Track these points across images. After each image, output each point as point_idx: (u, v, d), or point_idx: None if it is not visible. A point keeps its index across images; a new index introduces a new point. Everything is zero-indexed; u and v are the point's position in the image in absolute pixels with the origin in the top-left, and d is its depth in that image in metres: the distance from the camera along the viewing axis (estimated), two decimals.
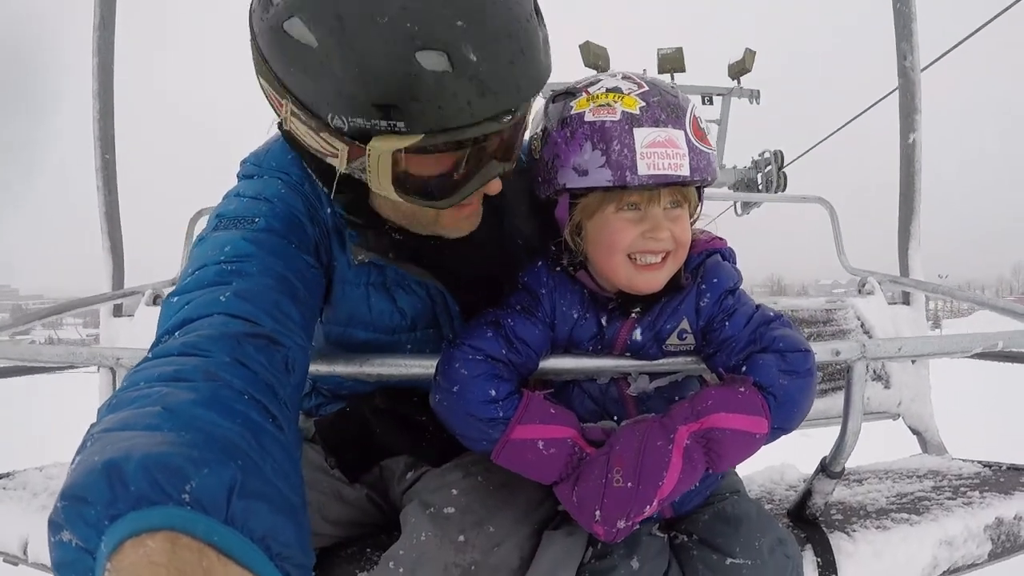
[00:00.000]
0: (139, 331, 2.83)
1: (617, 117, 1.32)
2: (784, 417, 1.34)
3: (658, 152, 1.30)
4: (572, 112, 1.38)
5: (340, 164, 1.18)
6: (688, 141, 1.33)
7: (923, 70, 3.30)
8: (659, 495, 1.28)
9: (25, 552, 1.72)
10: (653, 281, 1.40)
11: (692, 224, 1.48)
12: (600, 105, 1.35)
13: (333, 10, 1.02)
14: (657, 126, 1.32)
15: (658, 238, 1.35)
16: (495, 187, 1.29)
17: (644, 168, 1.29)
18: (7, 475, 2.10)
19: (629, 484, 1.27)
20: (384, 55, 1.02)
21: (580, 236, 1.43)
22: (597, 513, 1.27)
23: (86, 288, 3.05)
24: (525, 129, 1.30)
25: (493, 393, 1.34)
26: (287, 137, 1.28)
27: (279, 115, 1.20)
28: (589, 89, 1.40)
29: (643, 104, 1.33)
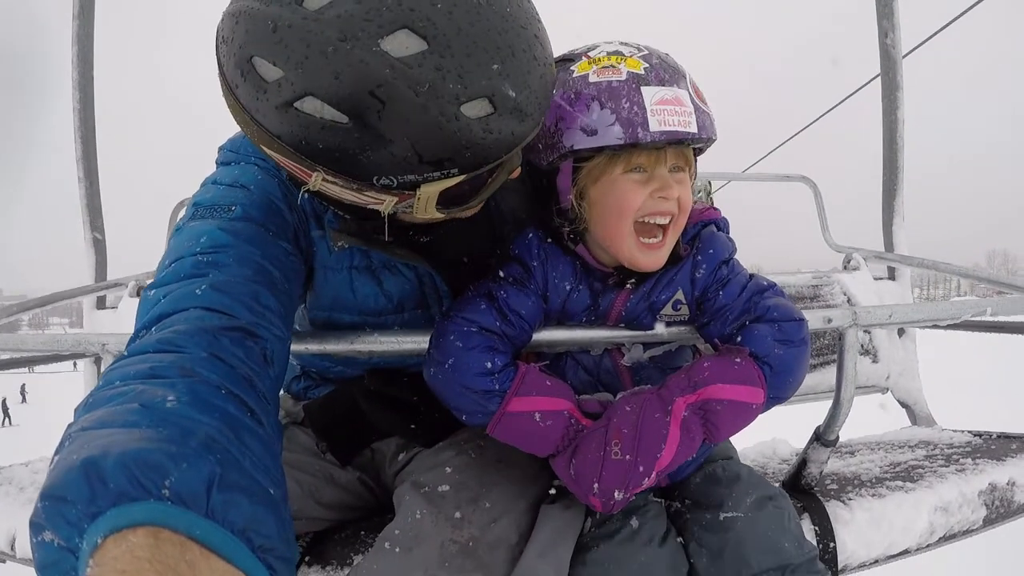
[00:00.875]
0: (123, 323, 2.80)
1: (623, 77, 1.32)
2: (779, 386, 1.35)
3: (667, 109, 1.30)
4: (574, 75, 1.36)
5: (384, 210, 1.17)
6: (692, 100, 1.33)
7: (907, 55, 3.32)
8: (657, 467, 1.28)
9: (12, 548, 1.70)
10: (656, 259, 1.39)
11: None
12: (604, 67, 1.34)
13: (362, 87, 0.97)
14: (663, 85, 1.31)
15: (668, 197, 1.34)
16: (516, 173, 1.26)
17: (656, 124, 1.28)
18: None
19: (627, 457, 1.26)
20: (431, 120, 1.00)
21: (583, 203, 1.41)
22: (595, 486, 1.27)
23: (72, 286, 3.02)
24: None
25: (489, 365, 1.33)
26: (315, 195, 1.22)
27: (306, 183, 1.14)
28: (589, 54, 1.39)
29: (647, 65, 1.33)
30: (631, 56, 1.35)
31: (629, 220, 1.35)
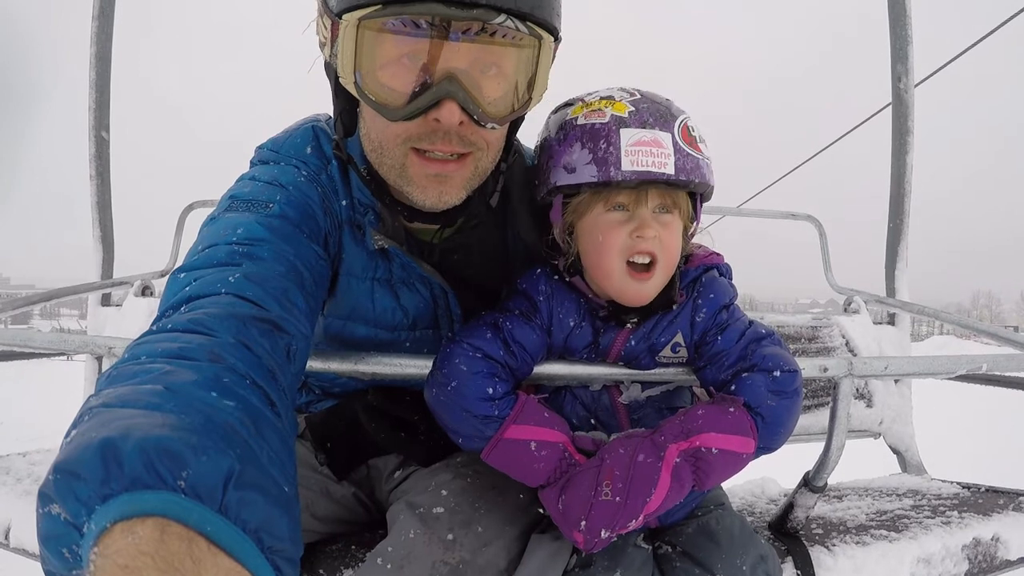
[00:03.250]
0: (127, 322, 2.82)
1: (606, 119, 1.39)
2: (770, 437, 1.37)
3: (642, 150, 1.35)
4: (567, 119, 1.45)
5: (326, 52, 1.25)
6: (675, 143, 1.37)
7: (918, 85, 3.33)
8: (646, 510, 1.30)
9: (7, 537, 1.71)
10: (642, 292, 1.41)
11: (691, 236, 1.51)
12: (592, 110, 1.42)
13: None
14: (644, 127, 1.37)
15: (645, 236, 1.37)
16: (447, 114, 1.24)
17: (628, 164, 1.34)
18: None
19: (617, 499, 1.28)
20: None
21: (572, 237, 1.47)
22: (583, 523, 1.28)
23: (78, 278, 3.03)
24: (501, 84, 1.31)
25: (490, 391, 1.35)
26: (328, 72, 1.34)
27: (322, 46, 1.30)
28: (585, 98, 1.47)
29: (632, 109, 1.40)
30: (620, 101, 1.42)
31: (616, 258, 1.40)
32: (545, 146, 1.48)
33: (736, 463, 1.35)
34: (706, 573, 1.36)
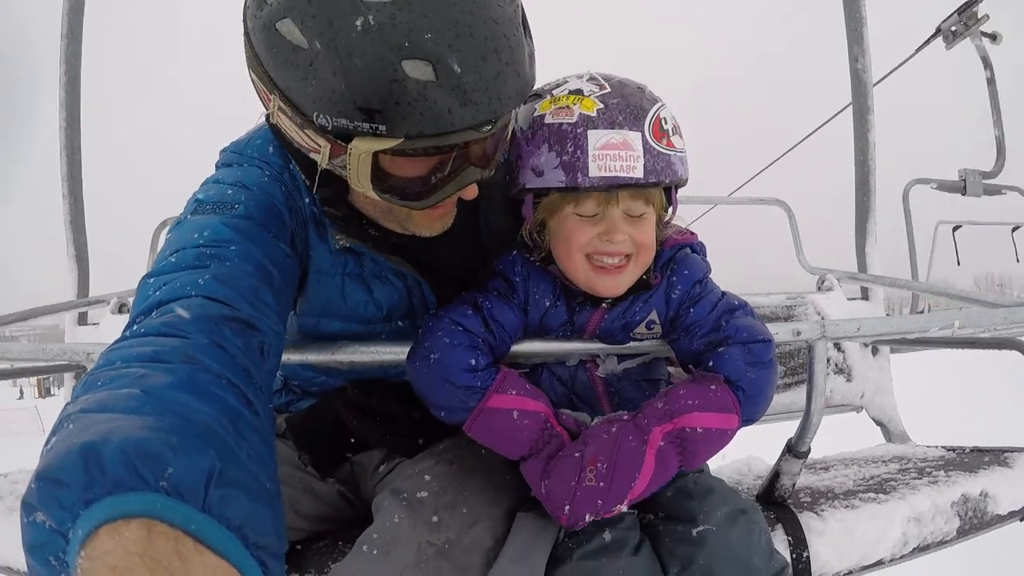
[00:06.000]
0: (105, 339, 2.79)
1: (574, 119, 1.35)
2: (752, 409, 1.38)
3: (610, 154, 1.32)
4: (535, 114, 1.41)
5: (322, 160, 1.20)
6: (645, 143, 1.34)
7: (878, 82, 3.39)
8: (630, 495, 1.31)
9: None
10: (614, 286, 1.43)
11: (666, 224, 1.51)
12: (560, 107, 1.38)
13: (325, 14, 1.04)
14: (612, 128, 1.33)
15: (614, 240, 1.38)
16: (471, 193, 1.29)
17: (595, 170, 1.31)
18: None
19: (601, 484, 1.29)
20: (371, 61, 1.04)
21: (544, 232, 1.47)
22: (566, 508, 1.29)
23: (57, 291, 3.01)
24: (505, 139, 1.34)
25: (473, 363, 1.36)
26: (274, 130, 1.29)
27: (267, 108, 1.22)
28: (554, 91, 1.42)
29: (601, 106, 1.35)
30: (589, 96, 1.37)
31: (579, 256, 1.40)
32: (514, 143, 1.45)
33: (722, 439, 1.36)
34: (688, 527, 1.35)
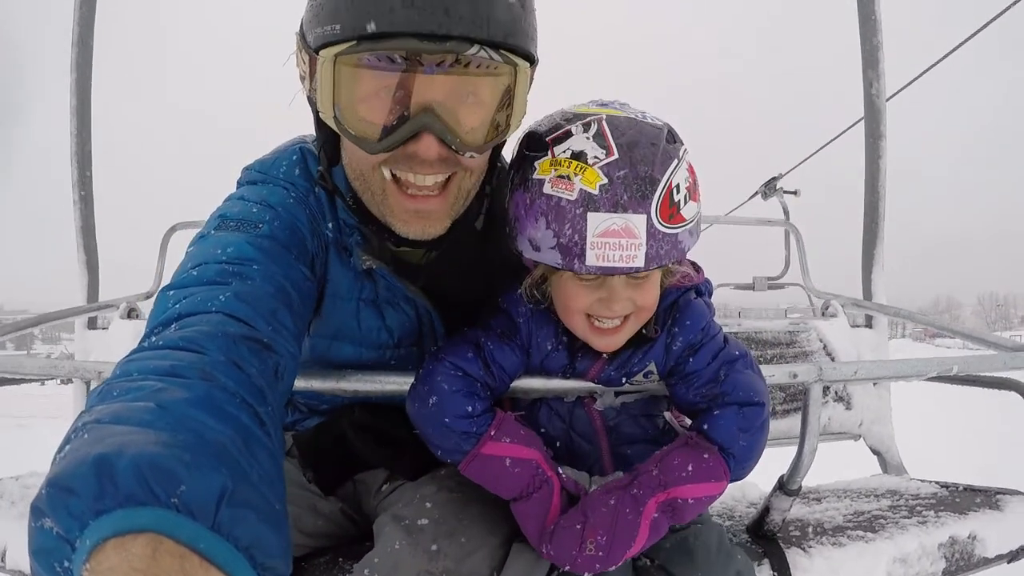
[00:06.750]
0: (114, 344, 2.83)
1: (574, 196, 1.27)
2: (741, 471, 1.43)
3: (610, 243, 1.25)
4: (534, 176, 1.34)
5: (306, 86, 1.29)
6: (650, 227, 1.27)
7: (889, 98, 3.39)
8: (625, 557, 1.37)
9: (3, 559, 1.73)
10: (611, 343, 1.44)
11: (674, 274, 1.47)
12: (560, 176, 1.29)
13: None
14: (615, 211, 1.26)
15: (612, 309, 1.37)
16: (425, 148, 1.26)
17: (593, 259, 1.26)
18: None
19: (600, 553, 1.34)
20: None
21: (546, 284, 1.46)
22: (566, 568, 1.36)
23: (69, 302, 3.04)
24: (485, 118, 1.32)
25: (469, 409, 1.38)
26: (310, 102, 1.35)
27: (302, 79, 1.33)
28: (555, 148, 1.34)
29: (604, 182, 1.26)
30: (593, 165, 1.28)
31: (579, 315, 1.40)
32: (511, 204, 1.40)
33: (711, 501, 1.43)
34: None
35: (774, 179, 5.16)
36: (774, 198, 5.08)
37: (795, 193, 4.98)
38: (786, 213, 4.87)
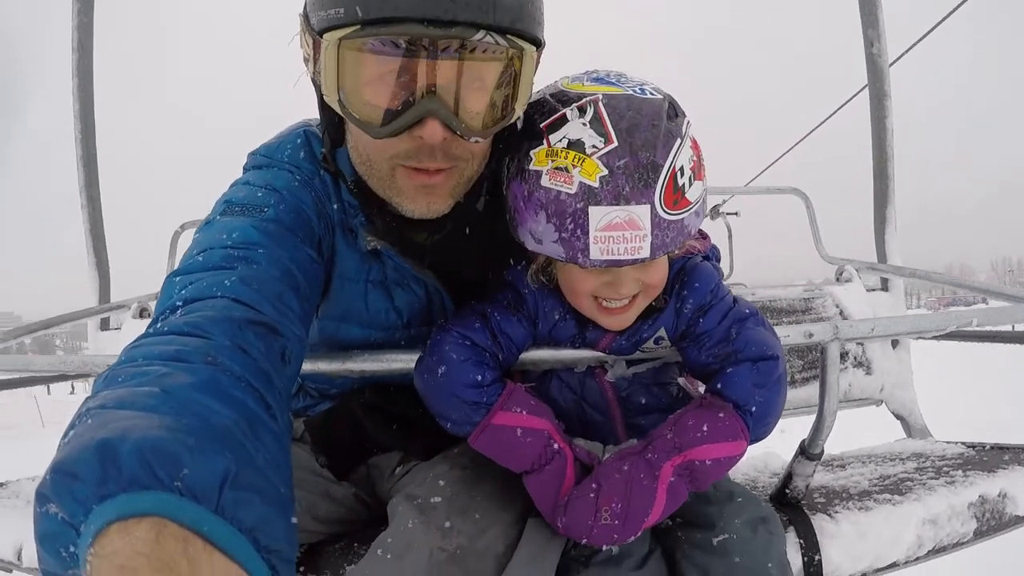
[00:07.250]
0: (126, 343, 2.83)
1: (573, 190, 1.23)
2: (761, 430, 1.38)
3: (614, 236, 1.22)
4: (531, 167, 1.30)
5: (310, 68, 1.27)
6: (654, 216, 1.23)
7: (893, 63, 3.34)
8: (644, 526, 1.33)
9: (19, 558, 1.73)
10: (620, 322, 1.42)
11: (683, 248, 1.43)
12: (558, 168, 1.25)
13: None
14: (617, 203, 1.22)
15: (620, 292, 1.35)
16: (430, 132, 1.23)
17: (597, 253, 1.23)
18: (1, 485, 2.11)
19: (616, 522, 1.30)
20: None
21: (551, 267, 1.44)
22: (584, 540, 1.33)
23: (82, 306, 3.07)
24: (488, 104, 1.28)
25: (479, 378, 1.36)
26: (315, 84, 1.33)
27: (306, 61, 1.31)
28: (550, 137, 1.29)
29: (604, 173, 1.22)
30: (592, 155, 1.23)
31: (586, 297, 1.38)
32: (508, 193, 1.38)
33: (730, 464, 1.36)
34: (708, 535, 1.37)
35: (716, 206, 5.56)
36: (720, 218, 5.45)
37: (735, 214, 5.42)
38: (729, 232, 5.33)
